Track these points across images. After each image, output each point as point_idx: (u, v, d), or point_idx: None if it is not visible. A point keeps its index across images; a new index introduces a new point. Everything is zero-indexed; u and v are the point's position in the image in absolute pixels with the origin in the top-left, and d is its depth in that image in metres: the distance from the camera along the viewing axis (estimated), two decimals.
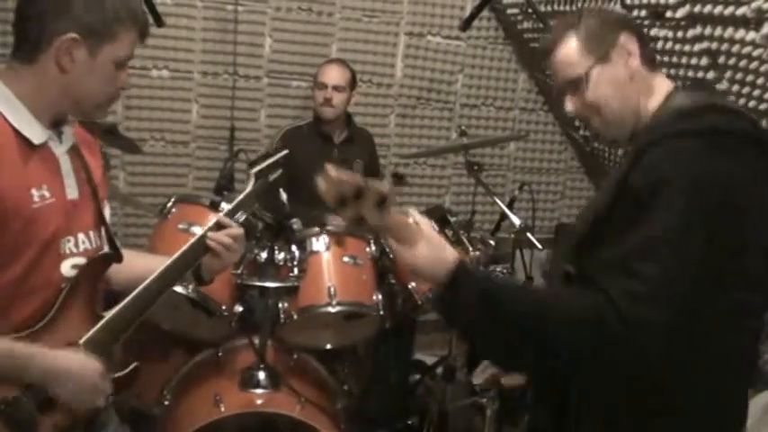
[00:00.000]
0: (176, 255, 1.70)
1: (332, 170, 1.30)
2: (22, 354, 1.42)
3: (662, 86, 1.49)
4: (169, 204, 2.59)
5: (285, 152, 2.06)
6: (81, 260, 1.55)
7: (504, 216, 2.95)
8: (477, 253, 2.79)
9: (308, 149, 3.38)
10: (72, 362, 1.49)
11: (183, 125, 3.77)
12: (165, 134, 3.75)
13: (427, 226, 1.42)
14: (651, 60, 1.51)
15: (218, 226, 1.77)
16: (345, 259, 2.66)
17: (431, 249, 1.39)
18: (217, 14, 3.66)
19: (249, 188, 1.89)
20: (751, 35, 2.51)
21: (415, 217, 1.43)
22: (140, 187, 3.75)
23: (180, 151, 3.80)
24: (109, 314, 1.58)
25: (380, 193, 1.32)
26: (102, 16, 1.44)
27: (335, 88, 3.35)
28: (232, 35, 3.64)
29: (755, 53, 2.54)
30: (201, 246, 1.74)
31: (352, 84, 3.45)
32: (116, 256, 1.63)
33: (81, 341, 1.52)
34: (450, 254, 1.41)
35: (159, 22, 2.92)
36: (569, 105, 1.52)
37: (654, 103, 1.47)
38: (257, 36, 3.76)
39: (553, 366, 1.42)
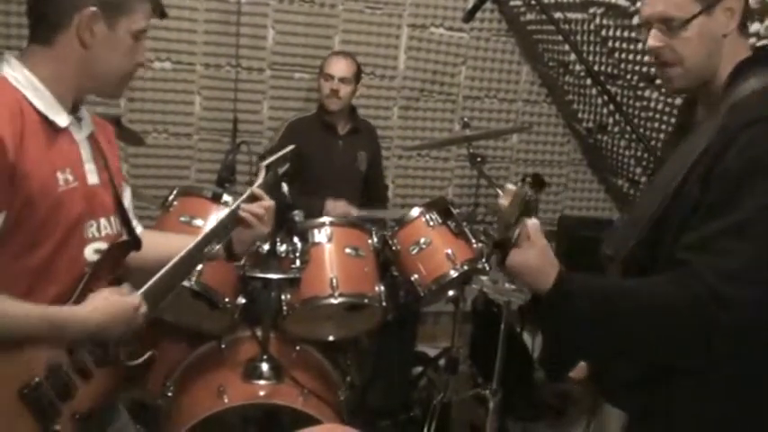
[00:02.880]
0: (207, 229, 1.75)
1: (510, 185, 1.29)
2: (57, 318, 1.43)
3: (741, 53, 1.43)
4: (171, 197, 2.59)
5: (293, 147, 2.09)
6: (103, 245, 1.56)
7: None
8: (480, 245, 2.79)
9: (313, 140, 3.38)
10: (107, 308, 1.49)
11: (186, 117, 3.77)
12: (167, 126, 3.75)
13: (535, 228, 1.34)
14: (744, 24, 1.45)
15: (251, 198, 1.81)
16: (347, 251, 2.67)
17: (537, 255, 1.33)
18: (219, 6, 3.65)
19: (260, 180, 1.90)
20: (755, 26, 2.50)
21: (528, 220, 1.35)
22: (143, 179, 3.75)
23: (182, 143, 3.80)
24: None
25: (535, 203, 1.29)
26: None
27: (342, 80, 3.35)
28: (235, 27, 3.63)
29: (759, 44, 2.53)
30: (233, 219, 1.79)
31: (358, 76, 3.45)
32: (135, 244, 1.65)
33: None
34: (553, 264, 1.35)
35: (161, 13, 2.91)
36: (652, 40, 1.44)
37: (728, 68, 1.42)
38: (260, 28, 3.75)
39: (665, 359, 1.38)
